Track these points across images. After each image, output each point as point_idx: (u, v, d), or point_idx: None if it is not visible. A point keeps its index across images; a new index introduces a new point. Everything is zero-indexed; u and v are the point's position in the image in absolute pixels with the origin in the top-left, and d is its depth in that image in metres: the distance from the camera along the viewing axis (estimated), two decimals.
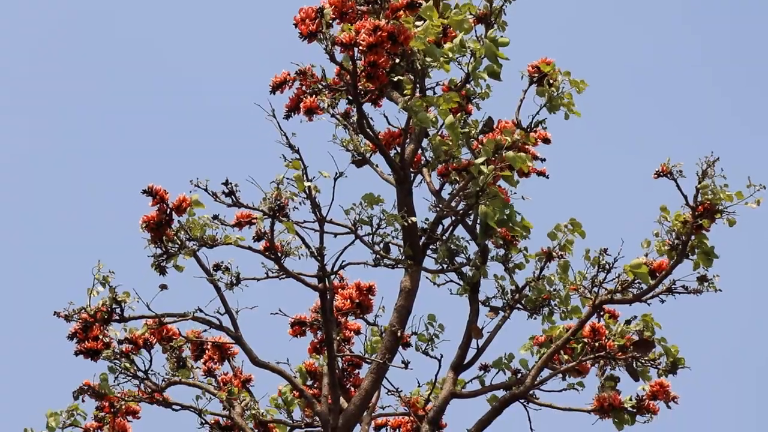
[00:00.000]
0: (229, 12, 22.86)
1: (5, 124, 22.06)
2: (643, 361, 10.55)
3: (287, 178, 9.91)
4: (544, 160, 10.95)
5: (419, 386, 11.52)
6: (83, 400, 10.63)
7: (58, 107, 22.67)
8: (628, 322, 10.57)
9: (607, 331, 10.57)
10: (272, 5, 21.44)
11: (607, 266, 10.42)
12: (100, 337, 10.37)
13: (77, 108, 23.01)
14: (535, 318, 10.90)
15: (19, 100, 22.18)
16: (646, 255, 10.41)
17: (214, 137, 21.93)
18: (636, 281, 10.43)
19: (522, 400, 10.73)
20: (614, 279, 10.46)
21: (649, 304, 10.48)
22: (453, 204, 10.70)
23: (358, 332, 11.46)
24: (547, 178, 11.04)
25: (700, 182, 10.12)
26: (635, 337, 10.54)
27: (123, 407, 10.80)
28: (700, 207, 10.17)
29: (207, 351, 11.25)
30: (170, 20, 23.55)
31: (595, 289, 10.46)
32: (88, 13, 23.13)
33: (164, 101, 22.42)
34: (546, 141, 10.89)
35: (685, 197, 10.20)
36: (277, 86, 10.53)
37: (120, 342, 10.56)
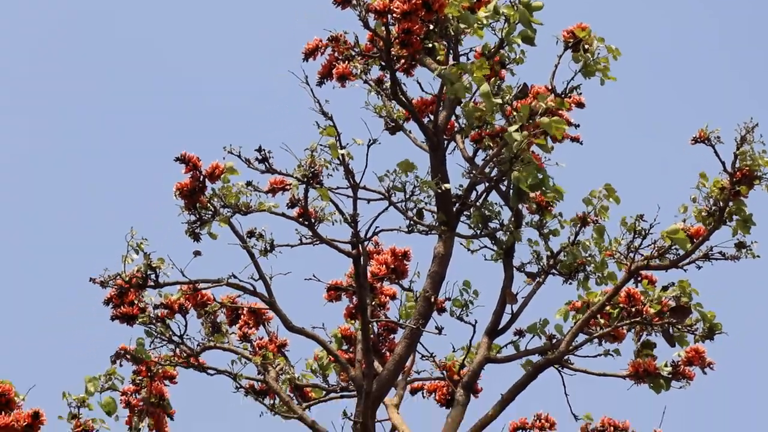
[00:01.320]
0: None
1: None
2: (679, 327, 10.49)
3: (321, 145, 9.89)
4: (578, 126, 10.87)
5: (454, 351, 11.54)
6: (120, 365, 10.72)
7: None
8: (664, 288, 10.48)
9: (643, 297, 10.51)
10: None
11: (643, 232, 10.33)
12: (136, 302, 10.45)
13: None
14: (570, 283, 10.86)
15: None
16: (683, 221, 10.33)
17: (245, 106, 21.96)
18: (673, 247, 10.34)
19: (557, 366, 10.73)
20: (650, 245, 10.38)
21: (685, 271, 10.41)
22: (486, 170, 10.65)
23: (393, 297, 11.46)
24: (581, 143, 10.96)
25: (738, 148, 10.00)
26: (672, 303, 10.47)
27: (160, 371, 10.88)
28: (738, 173, 10.06)
29: (242, 316, 11.32)
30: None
31: (631, 254, 10.38)
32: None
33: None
34: (580, 105, 10.80)
35: (723, 164, 10.09)
36: (310, 53, 10.50)
37: (155, 307, 10.65)
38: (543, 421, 10.96)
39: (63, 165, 22.93)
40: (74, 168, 22.74)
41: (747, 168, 10.00)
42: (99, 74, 22.89)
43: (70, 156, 22.90)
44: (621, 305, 10.54)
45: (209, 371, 10.95)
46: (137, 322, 10.44)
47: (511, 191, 10.58)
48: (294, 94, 10.14)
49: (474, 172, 10.62)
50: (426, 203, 10.43)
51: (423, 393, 11.71)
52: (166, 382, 11.03)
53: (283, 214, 10.18)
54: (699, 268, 10.40)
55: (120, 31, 23.01)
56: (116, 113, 22.60)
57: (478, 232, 10.85)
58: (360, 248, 10.18)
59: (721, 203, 10.12)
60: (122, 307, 10.35)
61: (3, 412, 8.78)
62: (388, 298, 11.42)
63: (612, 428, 10.36)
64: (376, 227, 10.14)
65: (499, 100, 10.25)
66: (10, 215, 22.41)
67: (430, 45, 10.25)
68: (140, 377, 10.88)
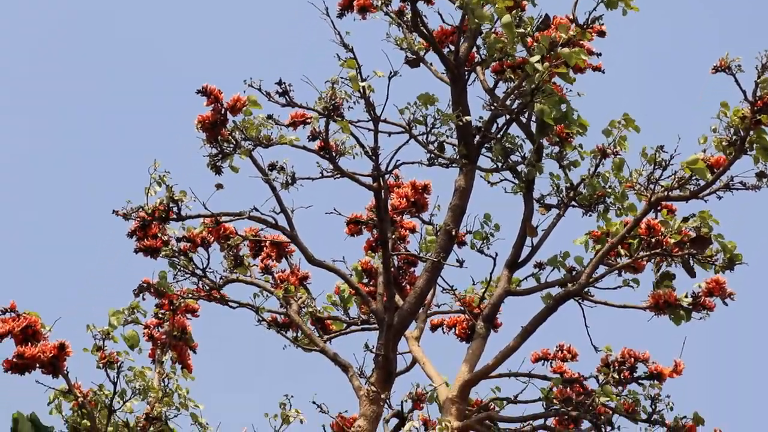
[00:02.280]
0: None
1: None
2: (699, 258, 10.47)
3: (342, 78, 9.88)
4: (600, 54, 10.81)
5: (474, 284, 11.59)
6: (143, 298, 10.79)
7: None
8: (685, 219, 10.45)
9: (663, 228, 10.48)
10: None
11: (663, 163, 10.29)
12: (159, 235, 10.52)
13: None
14: (590, 215, 10.84)
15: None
16: (704, 151, 10.28)
17: (265, 39, 21.88)
18: (693, 177, 10.31)
19: (577, 298, 10.74)
20: (671, 176, 10.35)
21: (706, 201, 10.37)
22: (507, 102, 10.63)
23: (413, 231, 11.49)
24: (603, 73, 10.91)
25: (759, 77, 9.95)
26: (692, 234, 10.44)
27: (182, 305, 10.95)
28: (759, 102, 10.01)
29: (265, 249, 11.36)
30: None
31: (651, 185, 10.35)
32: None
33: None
34: (601, 34, 10.74)
35: (744, 93, 10.03)
36: None
37: (178, 240, 10.72)
38: (565, 351, 10.98)
39: (91, 99, 23.11)
40: (101, 102, 22.95)
41: None
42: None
43: (97, 90, 23.05)
44: (641, 236, 10.53)
45: (231, 304, 11.03)
46: (160, 255, 10.51)
47: (534, 124, 10.57)
48: (315, 26, 10.12)
49: (495, 104, 10.59)
50: (447, 136, 10.45)
51: (443, 328, 11.78)
52: (188, 315, 11.12)
53: (304, 147, 10.21)
54: (719, 198, 10.37)
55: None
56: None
57: (499, 165, 10.84)
58: (381, 181, 10.20)
59: (741, 132, 10.08)
60: (145, 240, 10.42)
61: (30, 344, 8.86)
62: (408, 231, 11.46)
63: (632, 359, 10.35)
64: (397, 160, 10.17)
65: (521, 31, 10.21)
66: (39, 148, 22.63)
67: None
68: (163, 311, 10.96)
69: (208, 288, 10.84)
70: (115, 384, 9.63)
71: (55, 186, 22.67)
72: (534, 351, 10.97)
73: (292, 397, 8.46)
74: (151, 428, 10.06)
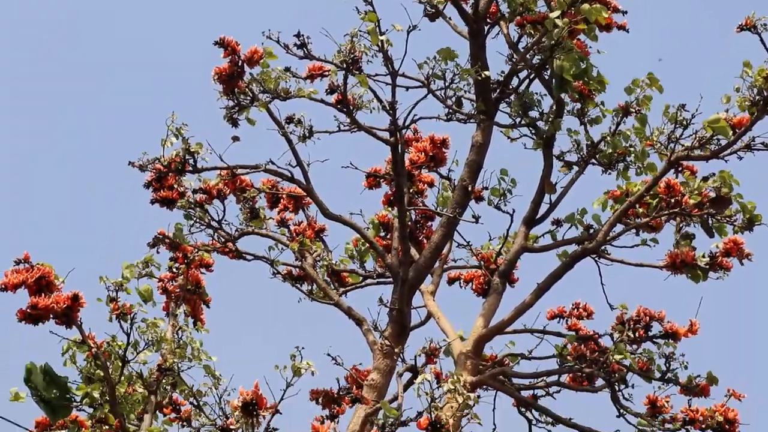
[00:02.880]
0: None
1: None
2: (718, 218, 10.41)
3: (361, 32, 9.80)
4: (626, 12, 10.67)
5: (490, 240, 11.55)
6: (158, 251, 10.79)
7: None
8: (705, 179, 10.36)
9: (683, 188, 10.40)
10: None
11: (684, 122, 10.18)
12: (175, 187, 10.49)
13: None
14: (610, 173, 10.79)
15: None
16: (726, 111, 10.15)
17: None
18: (714, 137, 10.20)
19: (593, 256, 10.70)
20: (692, 135, 10.24)
21: (726, 161, 10.28)
22: (527, 58, 10.52)
23: (431, 185, 11.45)
24: (627, 31, 10.77)
25: None
26: (712, 194, 10.37)
27: (196, 259, 10.95)
28: None
29: (282, 201, 11.33)
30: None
31: (672, 144, 10.25)
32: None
33: None
34: None
35: None
36: None
37: (194, 192, 10.69)
38: (581, 309, 10.96)
39: (107, 51, 23.10)
40: (123, 50, 22.95)
41: None
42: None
43: (114, 41, 23.04)
44: (660, 195, 10.45)
45: (247, 257, 11.02)
46: (176, 206, 10.49)
47: (554, 80, 10.47)
48: None
49: (515, 59, 10.49)
50: (465, 91, 10.38)
51: (460, 282, 11.76)
52: (203, 270, 11.12)
53: (321, 101, 10.16)
54: (740, 158, 10.27)
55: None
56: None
57: (518, 120, 10.77)
58: (398, 136, 10.14)
59: (765, 92, 9.94)
60: (161, 191, 10.39)
61: (43, 294, 8.86)
62: (425, 185, 11.42)
63: (647, 318, 10.31)
64: (415, 115, 10.11)
65: None
66: (58, 99, 22.65)
67: None
68: (177, 264, 10.97)
69: (223, 240, 10.83)
70: (128, 335, 9.63)
71: (73, 137, 22.75)
72: (550, 308, 10.98)
73: (303, 349, 8.39)
74: (164, 379, 10.10)
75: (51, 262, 9.09)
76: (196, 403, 9.35)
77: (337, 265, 11.42)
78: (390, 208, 11.37)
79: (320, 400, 10.56)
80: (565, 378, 10.61)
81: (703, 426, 9.79)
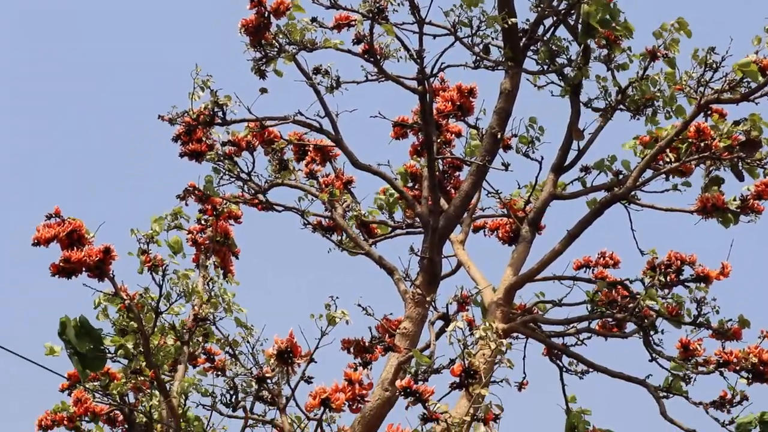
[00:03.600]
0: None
1: None
2: (749, 162, 10.34)
3: None
4: None
5: (519, 188, 11.52)
6: (187, 204, 10.83)
7: None
8: (735, 123, 10.31)
9: (713, 132, 10.34)
10: None
11: (714, 65, 10.10)
12: (204, 139, 10.51)
13: None
14: (638, 119, 10.73)
15: None
16: (756, 53, 10.08)
17: None
18: (744, 80, 10.13)
19: (623, 201, 10.67)
20: (722, 78, 10.16)
21: (757, 104, 10.20)
22: (554, 4, 10.46)
23: (458, 135, 11.43)
24: None
25: None
26: (742, 137, 10.31)
27: (225, 211, 10.98)
28: None
29: (309, 153, 11.33)
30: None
31: (702, 88, 10.18)
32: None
33: None
34: None
35: None
36: None
37: (223, 144, 10.71)
38: (607, 258, 10.95)
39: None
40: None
41: None
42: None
43: None
44: (690, 140, 10.40)
45: (277, 208, 11.04)
46: (205, 159, 10.52)
47: (580, 26, 10.40)
48: None
49: (541, 5, 10.43)
50: (492, 38, 10.33)
51: (485, 231, 11.77)
52: (231, 221, 11.15)
53: (348, 51, 10.13)
54: None
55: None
56: None
57: (545, 67, 10.73)
58: (426, 84, 10.11)
59: None
60: (190, 144, 10.41)
61: (75, 248, 8.89)
62: (453, 135, 11.40)
63: (679, 262, 10.29)
64: (442, 63, 10.09)
65: None
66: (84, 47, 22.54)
67: None
68: (206, 216, 11.00)
69: (253, 192, 10.85)
70: (160, 287, 9.68)
71: (101, 89, 22.75)
72: (576, 258, 10.97)
73: (337, 298, 8.44)
74: (197, 330, 10.15)
75: (81, 217, 9.16)
76: (231, 353, 9.39)
77: (366, 216, 11.43)
78: (418, 158, 11.36)
79: (351, 349, 10.59)
80: (595, 324, 10.61)
81: (738, 368, 9.78)
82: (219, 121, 10.27)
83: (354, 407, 7.88)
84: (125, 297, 9.57)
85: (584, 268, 11.02)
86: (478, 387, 7.97)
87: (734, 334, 10.14)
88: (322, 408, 7.66)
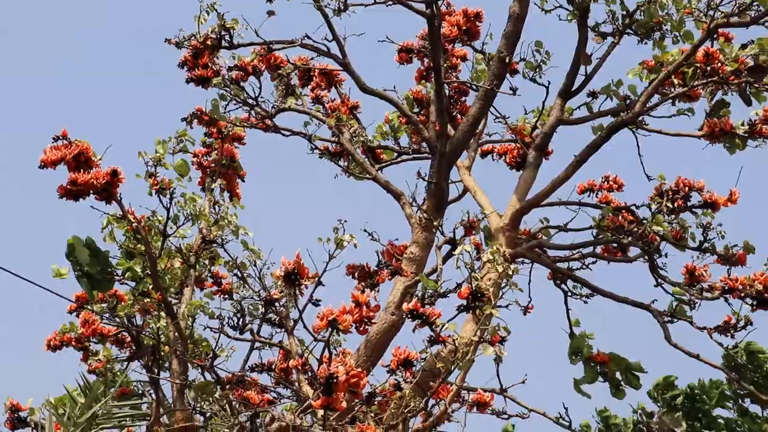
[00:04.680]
0: None
1: None
2: (757, 86, 10.26)
3: None
4: None
5: (526, 114, 11.49)
6: (191, 127, 10.80)
7: None
8: (743, 46, 10.21)
9: (721, 56, 10.25)
10: None
11: None
12: (210, 65, 10.45)
13: None
14: (646, 43, 10.65)
15: None
16: None
17: None
18: (754, 3, 10.02)
19: (631, 127, 10.60)
20: (731, 1, 10.05)
21: (767, 27, 10.11)
22: None
23: (464, 59, 11.36)
24: None
25: None
26: (750, 62, 10.22)
27: (230, 133, 10.95)
28: None
29: (314, 78, 11.28)
30: None
31: (711, 12, 10.09)
32: None
33: None
34: None
35: None
36: None
37: (229, 69, 10.65)
38: (611, 182, 10.92)
39: None
40: None
41: None
42: None
43: None
44: (697, 65, 10.32)
45: (284, 132, 11.01)
46: (211, 84, 10.47)
47: None
48: None
49: None
50: None
51: (493, 156, 11.74)
52: (236, 144, 11.13)
53: None
54: None
55: None
56: None
57: None
58: (434, 7, 10.04)
59: None
60: (197, 70, 10.36)
61: (82, 170, 8.87)
62: (459, 60, 11.33)
63: (686, 188, 10.25)
64: None
65: None
66: None
67: None
68: (211, 139, 10.98)
69: (260, 116, 10.81)
70: (168, 209, 9.70)
71: (107, 11, 22.59)
72: (580, 183, 10.94)
73: (345, 221, 8.44)
74: (203, 253, 10.18)
75: (89, 140, 9.13)
76: (240, 275, 9.42)
77: (372, 142, 11.40)
78: (424, 84, 11.31)
79: (356, 275, 10.63)
80: (600, 249, 10.63)
81: (742, 294, 9.78)
82: (226, 44, 10.22)
83: (361, 329, 7.89)
84: (133, 220, 9.57)
85: (588, 192, 10.96)
86: (486, 308, 7.98)
87: (739, 260, 10.10)
88: (329, 329, 7.66)
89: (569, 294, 10.91)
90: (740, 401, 18.65)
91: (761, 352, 16.33)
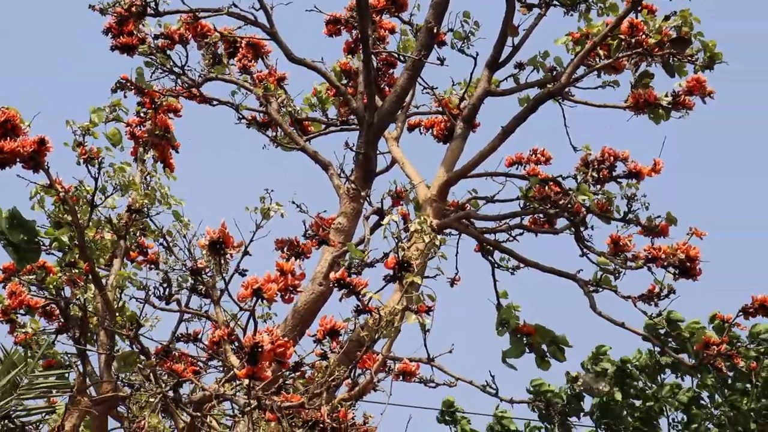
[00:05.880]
0: None
1: None
2: (679, 58, 10.40)
3: None
4: None
5: (453, 85, 11.55)
6: (125, 96, 10.70)
7: None
8: (666, 18, 10.33)
9: (645, 28, 10.36)
10: None
11: None
12: (135, 32, 10.36)
13: None
14: (572, 15, 10.74)
15: None
16: None
17: None
18: None
19: (557, 98, 10.72)
20: None
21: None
22: None
23: (392, 32, 11.37)
24: None
25: None
26: (672, 33, 10.35)
27: (164, 104, 10.86)
28: None
29: (241, 49, 11.23)
30: None
31: None
32: None
33: None
34: None
35: None
36: None
37: (155, 37, 10.57)
38: (539, 155, 11.01)
39: None
40: None
41: None
42: None
43: None
44: (621, 37, 10.42)
45: (212, 102, 10.95)
46: (137, 52, 10.38)
47: None
48: None
49: None
50: None
51: (421, 129, 11.78)
52: (171, 115, 11.04)
53: None
54: None
55: None
56: None
57: None
58: None
59: None
60: (122, 37, 10.27)
61: (9, 138, 8.73)
62: (387, 32, 11.34)
63: (611, 158, 10.37)
64: None
65: None
66: None
67: None
68: (145, 109, 10.88)
69: (187, 85, 10.74)
70: (96, 179, 9.60)
71: None
72: (508, 155, 11.02)
73: (272, 191, 8.42)
74: (133, 224, 10.09)
75: (16, 107, 9.00)
76: (165, 245, 9.38)
77: (300, 113, 11.39)
78: (351, 56, 11.31)
79: (285, 249, 10.62)
80: (527, 221, 10.71)
81: (665, 263, 9.92)
82: (151, 11, 10.14)
83: (286, 297, 7.87)
84: (60, 189, 9.47)
85: (516, 165, 11.05)
86: (410, 277, 8.00)
87: (662, 231, 10.25)
88: (254, 298, 7.65)
89: (496, 265, 11.00)
90: (660, 371, 19.02)
91: (680, 320, 16.67)
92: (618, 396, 18.94)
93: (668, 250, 9.94)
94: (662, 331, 12.11)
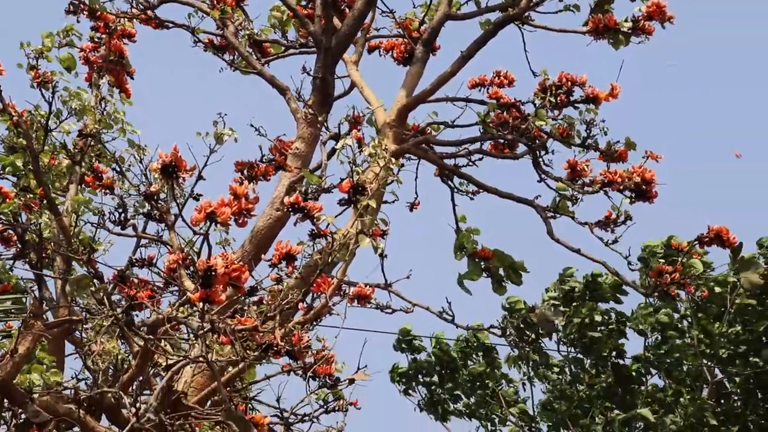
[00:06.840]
0: None
1: None
2: None
3: None
4: None
5: (414, 8, 11.45)
6: (78, 21, 10.57)
7: None
8: None
9: None
10: None
11: None
12: None
13: None
14: None
15: None
16: None
17: None
18: None
19: (517, 22, 10.65)
20: None
21: None
22: None
23: None
24: None
25: None
26: None
27: (118, 29, 10.73)
28: None
29: None
30: None
31: None
32: None
33: None
34: None
35: None
36: None
37: None
38: (502, 77, 10.91)
39: None
40: None
41: None
42: None
43: None
44: None
45: (168, 25, 10.82)
46: None
47: None
48: None
49: None
50: None
51: (380, 51, 11.68)
52: (125, 40, 10.92)
53: None
54: None
55: None
56: None
57: None
58: None
59: None
60: None
61: None
62: None
63: (569, 83, 10.30)
64: None
65: None
66: None
67: None
68: (99, 34, 10.76)
69: (142, 8, 10.60)
70: (50, 104, 9.52)
71: None
72: (471, 77, 10.93)
73: (225, 115, 8.34)
74: (89, 150, 10.02)
75: None
76: (118, 170, 9.32)
77: (259, 36, 11.27)
78: None
79: (245, 171, 10.55)
80: (487, 145, 10.67)
81: (621, 187, 9.92)
82: None
83: (240, 221, 7.85)
84: (13, 113, 9.39)
85: (479, 87, 10.93)
86: (364, 200, 7.99)
87: (620, 156, 10.23)
88: (207, 222, 7.62)
89: (456, 190, 10.98)
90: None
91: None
92: (597, 317, 19.16)
93: (624, 174, 9.93)
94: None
